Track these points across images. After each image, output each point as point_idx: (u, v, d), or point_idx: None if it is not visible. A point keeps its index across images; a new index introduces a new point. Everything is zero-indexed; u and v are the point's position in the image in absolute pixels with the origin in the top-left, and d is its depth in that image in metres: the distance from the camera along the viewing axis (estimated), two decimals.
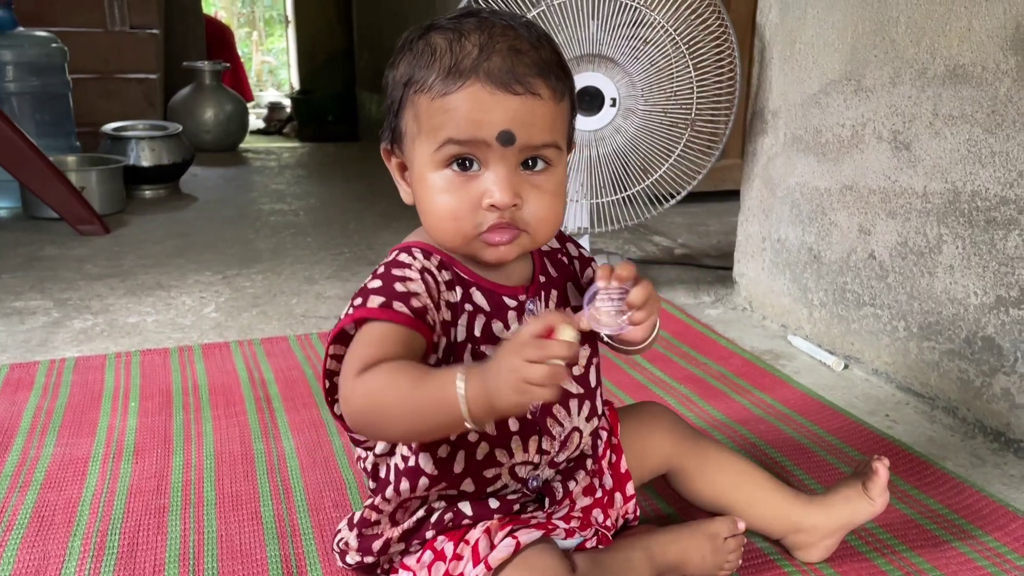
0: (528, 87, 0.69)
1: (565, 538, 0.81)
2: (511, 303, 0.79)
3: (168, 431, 1.26)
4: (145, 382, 1.44)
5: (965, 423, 1.30)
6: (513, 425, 0.79)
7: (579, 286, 0.86)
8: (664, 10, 1.73)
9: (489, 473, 0.80)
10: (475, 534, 0.78)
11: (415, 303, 0.71)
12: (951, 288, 1.30)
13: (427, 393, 0.64)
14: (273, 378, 1.46)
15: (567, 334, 0.62)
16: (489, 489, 0.80)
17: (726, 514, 0.92)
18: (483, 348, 0.76)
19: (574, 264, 0.88)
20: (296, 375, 1.47)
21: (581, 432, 0.85)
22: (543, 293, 0.82)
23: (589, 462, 0.89)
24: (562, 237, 0.89)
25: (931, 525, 1.03)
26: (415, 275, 0.73)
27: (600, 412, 0.89)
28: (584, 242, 1.97)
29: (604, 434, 0.92)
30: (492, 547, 0.76)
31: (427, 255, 0.76)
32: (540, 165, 0.73)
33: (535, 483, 0.83)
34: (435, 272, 0.75)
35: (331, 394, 0.78)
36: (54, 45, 2.86)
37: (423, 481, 0.79)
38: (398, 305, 0.70)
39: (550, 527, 0.80)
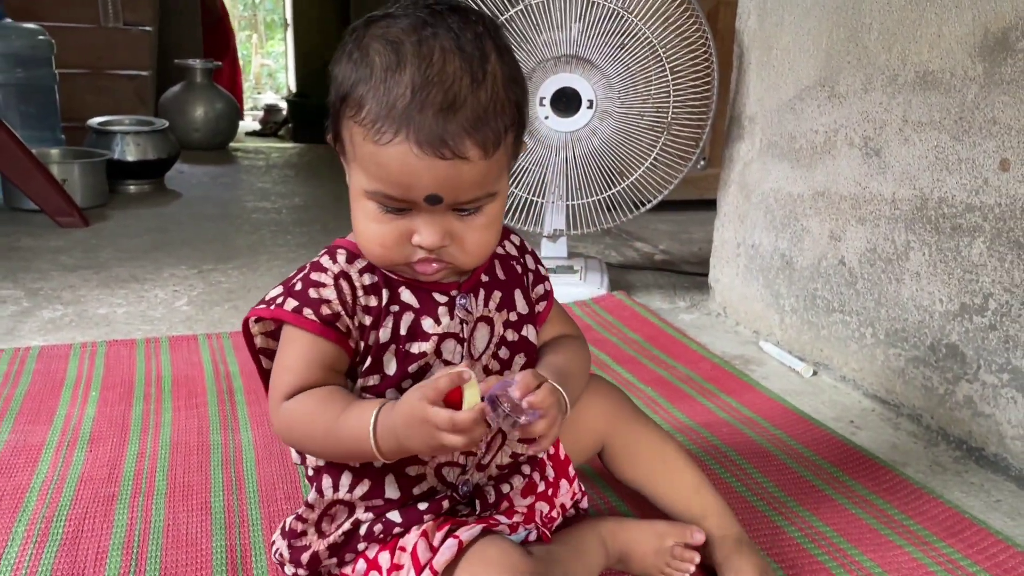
0: (457, 151, 0.66)
1: (509, 534, 0.80)
2: (441, 299, 0.78)
3: (126, 420, 1.25)
4: (108, 372, 1.43)
5: (929, 431, 1.29)
6: None
7: (527, 297, 0.85)
8: (643, 15, 1.73)
9: (412, 471, 0.78)
10: (411, 539, 0.76)
11: (324, 310, 0.73)
12: (917, 295, 1.29)
13: (343, 431, 0.70)
14: (238, 371, 1.45)
15: (473, 397, 0.65)
16: (415, 491, 0.79)
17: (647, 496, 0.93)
18: (408, 347, 0.76)
19: (527, 276, 0.86)
20: None
21: (505, 435, 0.82)
22: (482, 292, 0.80)
23: (526, 468, 0.86)
24: (522, 248, 0.88)
25: (886, 530, 1.02)
26: (329, 281, 0.74)
27: None
28: (562, 245, 1.97)
29: None
30: (433, 550, 0.74)
31: (352, 258, 0.76)
32: (470, 209, 0.72)
33: (465, 488, 0.81)
34: (353, 277, 0.75)
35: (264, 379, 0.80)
36: (41, 37, 2.86)
37: (345, 479, 0.78)
38: (308, 312, 0.73)
39: (491, 523, 0.78)
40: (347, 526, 0.79)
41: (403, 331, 0.75)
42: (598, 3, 1.73)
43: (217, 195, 3.15)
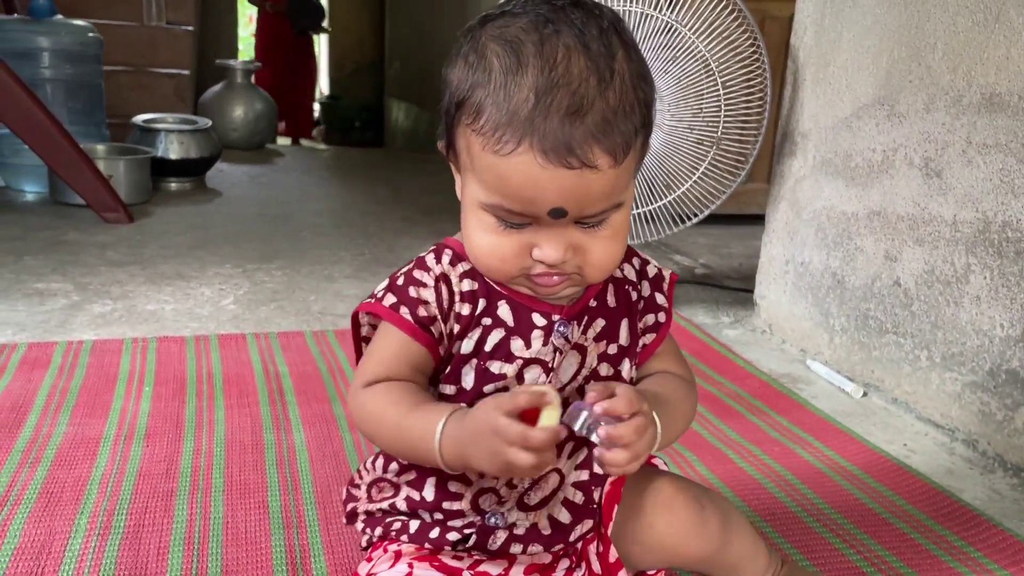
0: (585, 159, 0.61)
1: None
2: (539, 321, 0.73)
3: (180, 417, 1.27)
4: (160, 368, 1.44)
5: (985, 456, 1.28)
6: None
7: (633, 328, 0.78)
8: (697, 29, 1.73)
9: (453, 487, 0.75)
10: (390, 549, 0.77)
11: (421, 312, 0.71)
12: (977, 319, 1.28)
13: (413, 430, 0.69)
14: (287, 372, 1.46)
15: (551, 418, 0.61)
16: (445, 506, 0.76)
17: None
18: (488, 364, 0.72)
19: (639, 304, 0.80)
20: (310, 370, 1.47)
21: (563, 476, 0.76)
22: (585, 319, 0.75)
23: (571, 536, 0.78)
24: (643, 273, 0.80)
25: (946, 556, 1.01)
26: (430, 282, 0.72)
27: (597, 472, 0.78)
28: None
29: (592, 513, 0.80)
30: (391, 566, 0.75)
31: (456, 260, 0.73)
32: (596, 222, 0.67)
33: (494, 520, 0.75)
34: (452, 281, 0.72)
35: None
36: (91, 35, 2.90)
37: (394, 465, 0.78)
38: (404, 311, 0.71)
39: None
40: (385, 505, 0.78)
41: (488, 347, 0.72)
42: (651, 15, 1.73)
43: (256, 195, 3.18)
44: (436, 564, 0.76)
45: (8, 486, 1.05)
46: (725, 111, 1.79)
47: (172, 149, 3.03)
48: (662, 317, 0.80)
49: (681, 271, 2.33)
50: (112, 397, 1.32)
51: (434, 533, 0.76)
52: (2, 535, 0.95)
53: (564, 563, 0.79)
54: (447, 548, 0.75)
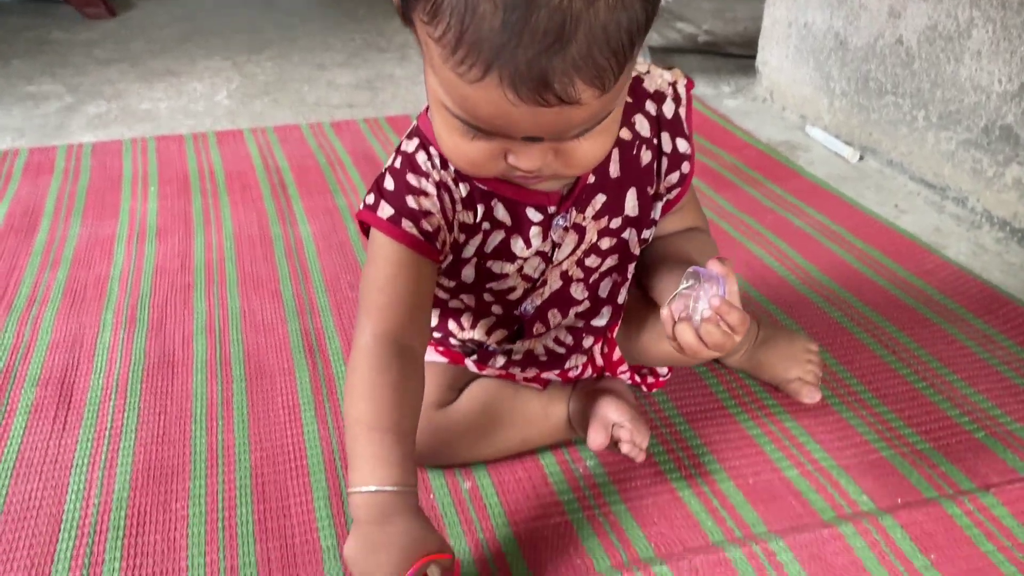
0: (564, 96, 0.50)
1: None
2: (535, 217, 0.68)
3: (188, 214, 1.31)
4: (162, 167, 1.47)
5: (973, 213, 1.31)
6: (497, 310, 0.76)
7: (644, 196, 0.71)
8: None
9: (460, 321, 0.78)
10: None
11: (425, 225, 0.65)
12: (976, 75, 1.26)
13: (358, 443, 0.63)
14: (288, 166, 1.48)
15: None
16: (451, 327, 0.79)
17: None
18: (490, 265, 0.70)
19: (659, 162, 0.72)
20: (310, 163, 1.49)
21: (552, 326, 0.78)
22: (585, 200, 0.69)
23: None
24: (660, 119, 0.70)
25: (923, 308, 1.07)
26: (431, 189, 0.66)
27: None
28: None
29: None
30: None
31: (445, 163, 0.66)
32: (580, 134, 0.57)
33: (492, 347, 0.78)
34: (452, 188, 0.66)
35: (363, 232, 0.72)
36: None
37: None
38: (407, 224, 0.65)
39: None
40: None
41: (488, 249, 0.69)
42: None
43: None
44: (441, 350, 0.82)
45: (33, 286, 1.11)
46: None
47: None
48: (686, 167, 0.73)
49: (684, 39, 2.26)
50: (120, 198, 1.36)
51: (440, 338, 0.81)
52: (35, 331, 1.02)
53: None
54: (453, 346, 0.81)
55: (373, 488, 0.61)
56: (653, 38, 2.26)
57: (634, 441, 0.76)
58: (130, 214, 1.31)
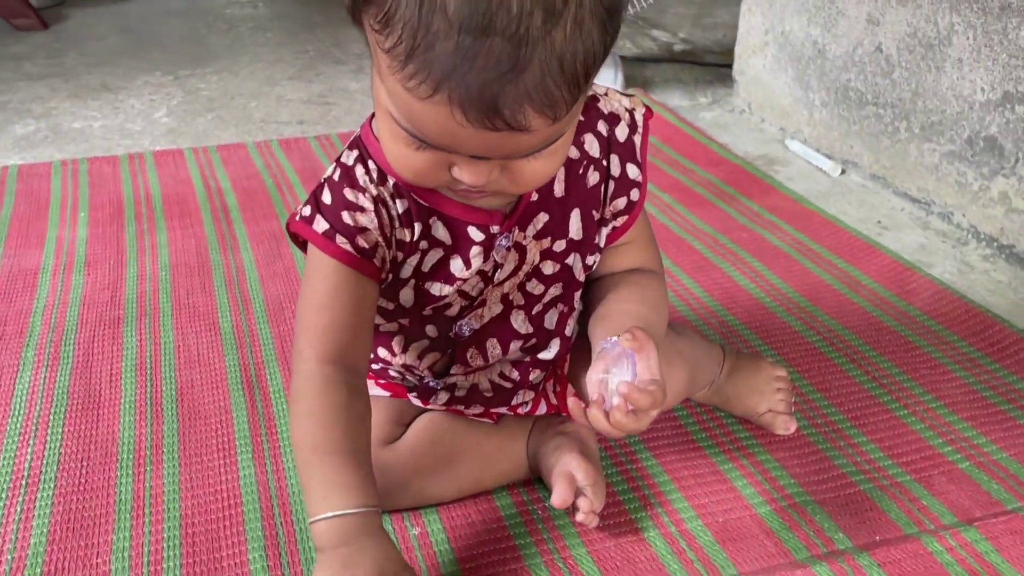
0: (513, 123, 0.52)
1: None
2: (477, 236, 0.69)
3: (120, 242, 1.30)
4: (94, 191, 1.46)
5: (959, 229, 1.33)
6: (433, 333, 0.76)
7: (589, 218, 0.73)
8: None
9: (396, 347, 0.79)
10: None
11: (361, 242, 0.67)
12: (958, 83, 1.29)
13: (314, 472, 0.65)
14: (231, 187, 1.48)
15: None
16: (383, 355, 0.80)
17: None
18: (428, 286, 0.71)
19: (607, 184, 0.73)
20: (255, 184, 1.49)
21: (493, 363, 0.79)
22: (527, 219, 0.70)
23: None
24: (611, 141, 0.72)
25: (906, 331, 1.08)
26: (368, 205, 0.67)
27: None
28: None
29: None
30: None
31: (383, 178, 0.67)
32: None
33: (432, 383, 0.80)
34: (390, 204, 0.67)
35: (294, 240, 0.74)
36: None
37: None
38: (342, 241, 0.67)
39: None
40: None
41: (426, 268, 0.70)
42: None
43: None
44: (382, 383, 0.82)
45: None
46: None
47: None
48: (635, 195, 0.74)
49: (659, 48, 2.29)
50: (46, 225, 1.35)
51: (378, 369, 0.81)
52: None
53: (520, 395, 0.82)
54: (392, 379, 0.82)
55: (333, 514, 0.63)
56: (626, 47, 2.29)
57: (593, 510, 0.76)
58: (57, 243, 1.30)
